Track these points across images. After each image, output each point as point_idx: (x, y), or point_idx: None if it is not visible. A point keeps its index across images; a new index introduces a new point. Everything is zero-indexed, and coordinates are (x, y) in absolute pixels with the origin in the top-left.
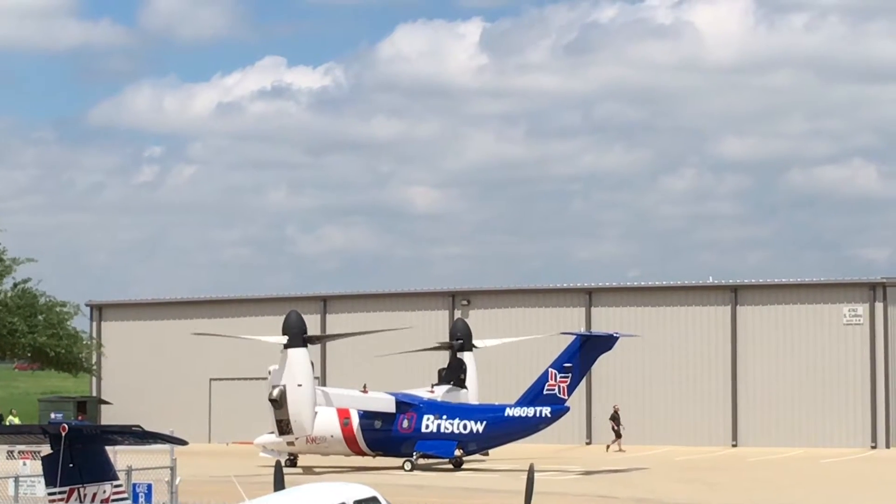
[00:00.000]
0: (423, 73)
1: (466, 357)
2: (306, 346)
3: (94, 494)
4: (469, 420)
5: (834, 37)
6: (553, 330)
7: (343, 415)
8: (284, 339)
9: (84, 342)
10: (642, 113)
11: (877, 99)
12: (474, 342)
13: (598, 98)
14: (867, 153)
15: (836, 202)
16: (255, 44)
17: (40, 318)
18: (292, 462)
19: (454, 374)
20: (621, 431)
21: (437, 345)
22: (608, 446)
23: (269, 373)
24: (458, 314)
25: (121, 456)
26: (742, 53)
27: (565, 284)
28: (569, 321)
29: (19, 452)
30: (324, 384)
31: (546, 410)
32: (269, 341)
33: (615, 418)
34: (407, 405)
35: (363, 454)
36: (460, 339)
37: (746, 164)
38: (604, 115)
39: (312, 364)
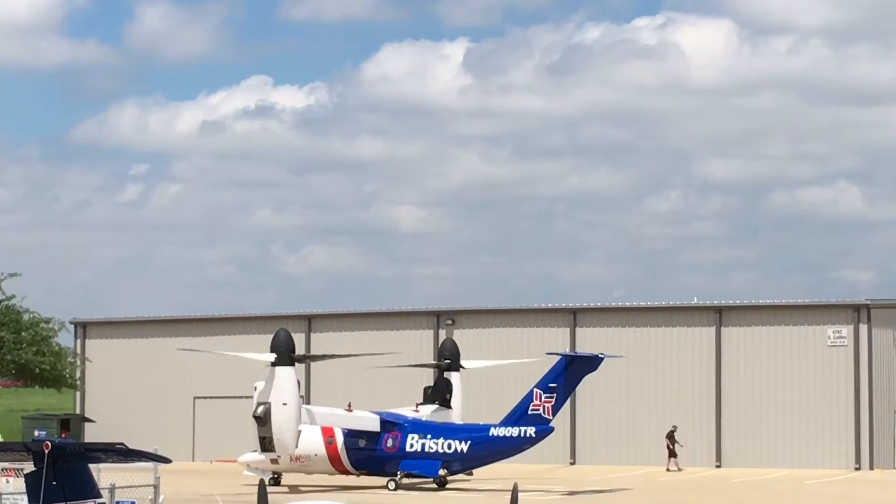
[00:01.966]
0: (407, 93)
1: (452, 377)
2: (294, 365)
3: None
4: (453, 439)
5: (817, 59)
6: (538, 350)
7: (327, 433)
8: (270, 357)
9: (68, 358)
10: (627, 134)
11: (860, 121)
12: (461, 362)
13: (582, 119)
14: (851, 175)
15: (821, 224)
16: (242, 63)
17: (24, 334)
18: (276, 481)
19: (440, 394)
20: (677, 450)
21: (429, 363)
22: (668, 468)
23: (255, 389)
24: (442, 334)
25: (104, 474)
26: (726, 75)
27: (550, 305)
28: (553, 342)
29: (2, 470)
30: (308, 402)
31: (531, 430)
32: (254, 359)
33: (671, 437)
34: (392, 424)
35: (347, 473)
36: (448, 358)
37: (731, 186)
38: (588, 136)
39: (298, 383)
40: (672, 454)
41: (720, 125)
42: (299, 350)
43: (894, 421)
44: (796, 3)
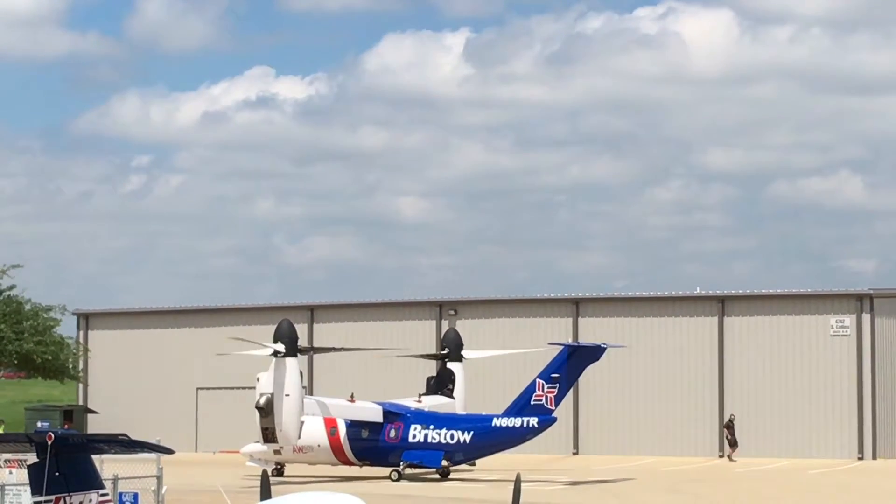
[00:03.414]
0: (409, 83)
1: (455, 367)
2: (296, 355)
3: (80, 503)
4: (456, 430)
5: (818, 49)
6: (540, 340)
7: (330, 424)
8: (279, 348)
9: (71, 349)
10: (628, 124)
11: (862, 111)
12: (463, 353)
13: (584, 109)
14: (853, 165)
15: (823, 213)
16: (243, 54)
17: (26, 324)
18: (279, 471)
19: (443, 384)
20: (736, 440)
21: (431, 353)
22: (729, 457)
23: (258, 380)
24: (445, 324)
25: (107, 465)
26: (727, 65)
27: (552, 295)
28: (556, 332)
29: (5, 461)
30: (311, 393)
31: (533, 421)
32: (258, 355)
33: (730, 427)
34: (394, 415)
35: (350, 463)
36: (453, 348)
37: (732, 176)
38: (590, 125)
39: (301, 373)
40: (732, 444)
41: (721, 115)
42: (301, 340)
43: None
44: None
